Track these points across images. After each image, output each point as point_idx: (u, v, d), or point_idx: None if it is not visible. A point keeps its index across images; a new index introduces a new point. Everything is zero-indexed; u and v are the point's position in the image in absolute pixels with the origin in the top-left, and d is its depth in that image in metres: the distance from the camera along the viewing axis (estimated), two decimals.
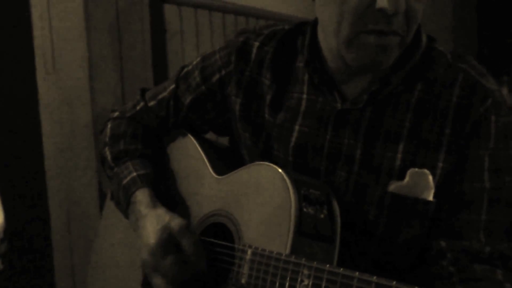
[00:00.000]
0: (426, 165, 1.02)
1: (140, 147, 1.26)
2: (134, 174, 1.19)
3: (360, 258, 1.04)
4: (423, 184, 1.02)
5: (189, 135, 1.24)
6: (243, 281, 0.99)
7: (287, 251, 0.95)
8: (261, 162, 1.06)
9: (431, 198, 1.02)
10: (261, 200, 1.02)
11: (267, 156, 1.13)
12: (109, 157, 1.26)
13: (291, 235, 0.95)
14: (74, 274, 2.29)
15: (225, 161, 1.18)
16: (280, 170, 1.01)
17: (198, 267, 1.08)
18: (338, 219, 1.00)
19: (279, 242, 0.96)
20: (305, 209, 0.98)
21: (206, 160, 1.18)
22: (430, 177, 1.02)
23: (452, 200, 1.03)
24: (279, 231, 0.97)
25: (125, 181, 1.19)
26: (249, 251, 0.99)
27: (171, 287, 1.07)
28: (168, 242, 1.08)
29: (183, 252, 1.08)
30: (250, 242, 1.01)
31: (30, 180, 2.16)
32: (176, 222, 1.09)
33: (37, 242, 2.18)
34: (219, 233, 1.10)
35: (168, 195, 1.23)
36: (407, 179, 1.02)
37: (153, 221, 1.11)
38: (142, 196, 1.16)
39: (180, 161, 1.24)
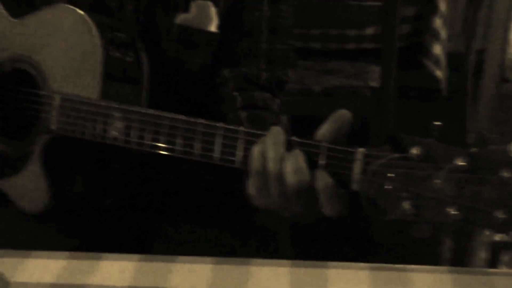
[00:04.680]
0: None
1: None
2: None
3: (164, 95, 1.09)
4: (207, 16, 1.08)
5: None
6: (52, 127, 0.99)
7: (97, 96, 0.96)
8: (60, 4, 1.02)
9: (214, 29, 1.09)
10: (65, 45, 1.00)
11: None
12: None
13: (99, 79, 0.96)
14: None
15: (21, 1, 1.10)
16: (82, 13, 0.98)
17: None
18: (145, 61, 1.02)
19: (88, 87, 0.97)
20: (111, 53, 0.98)
21: None
22: (213, 9, 1.08)
23: (233, 30, 1.11)
24: (87, 76, 0.97)
25: None
26: (58, 97, 0.99)
27: None
28: None
29: None
30: (57, 89, 0.99)
31: None
32: None
33: None
34: (20, 80, 1.06)
35: None
36: (192, 11, 1.07)
37: None
38: None
39: None
